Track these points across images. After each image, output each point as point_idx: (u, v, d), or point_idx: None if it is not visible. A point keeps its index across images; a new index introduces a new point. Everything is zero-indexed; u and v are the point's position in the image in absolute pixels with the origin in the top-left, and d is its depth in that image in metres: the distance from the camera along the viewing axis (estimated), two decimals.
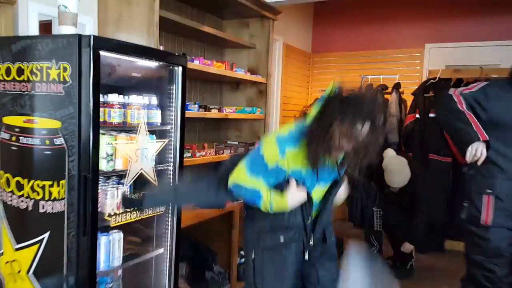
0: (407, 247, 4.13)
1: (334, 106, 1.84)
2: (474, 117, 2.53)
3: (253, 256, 2.14)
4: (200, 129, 3.91)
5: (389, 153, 4.15)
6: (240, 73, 3.71)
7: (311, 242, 2.11)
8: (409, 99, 5.59)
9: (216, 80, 4.01)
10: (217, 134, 4.09)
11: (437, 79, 5.27)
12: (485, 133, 2.46)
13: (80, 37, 1.92)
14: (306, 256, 2.12)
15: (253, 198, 1.98)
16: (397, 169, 3.90)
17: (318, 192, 2.08)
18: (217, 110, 3.52)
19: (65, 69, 1.96)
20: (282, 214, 2.03)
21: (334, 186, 2.11)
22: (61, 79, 1.97)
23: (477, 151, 2.44)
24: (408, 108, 5.56)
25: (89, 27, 2.56)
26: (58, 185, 2.00)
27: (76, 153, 1.96)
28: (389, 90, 5.72)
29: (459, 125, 2.55)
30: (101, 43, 1.98)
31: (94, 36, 1.94)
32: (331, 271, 2.23)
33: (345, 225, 5.89)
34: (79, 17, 2.17)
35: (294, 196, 1.96)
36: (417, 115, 5.31)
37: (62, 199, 2.00)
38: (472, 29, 5.68)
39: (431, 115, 5.17)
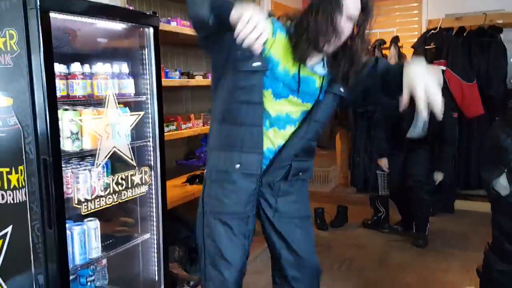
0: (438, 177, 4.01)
1: None
2: None
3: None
4: (186, 99, 3.61)
5: None
6: None
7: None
8: (408, 52, 5.30)
9: None
10: (205, 104, 3.74)
11: (438, 29, 4.99)
12: None
13: None
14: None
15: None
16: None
17: (287, 106, 1.71)
18: (201, 76, 3.21)
19: (11, 37, 1.67)
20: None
21: (314, 110, 1.75)
22: (8, 48, 1.68)
23: None
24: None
25: None
26: (17, 172, 1.74)
27: (32, 133, 1.68)
28: (387, 45, 5.44)
29: None
30: (50, 2, 1.68)
31: None
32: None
33: (348, 190, 5.68)
34: None
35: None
36: None
37: (23, 187, 1.74)
38: None
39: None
